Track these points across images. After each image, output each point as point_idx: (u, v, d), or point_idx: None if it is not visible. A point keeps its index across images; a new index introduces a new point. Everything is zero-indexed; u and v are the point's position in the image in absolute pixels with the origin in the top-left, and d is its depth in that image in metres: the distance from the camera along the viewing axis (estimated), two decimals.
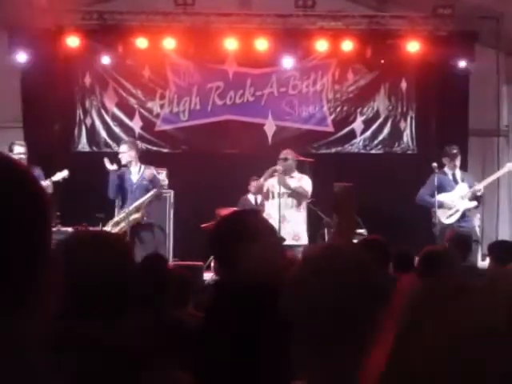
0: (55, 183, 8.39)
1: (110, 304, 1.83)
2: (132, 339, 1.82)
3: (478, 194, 8.56)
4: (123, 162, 8.37)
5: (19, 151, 8.30)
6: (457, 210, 8.53)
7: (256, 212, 3.35)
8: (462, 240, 5.35)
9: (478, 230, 8.82)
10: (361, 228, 9.41)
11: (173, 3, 10.42)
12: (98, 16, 10.37)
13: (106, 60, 10.68)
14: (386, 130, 11.29)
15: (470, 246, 5.30)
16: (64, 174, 8.41)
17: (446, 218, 8.56)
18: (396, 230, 8.83)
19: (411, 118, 11.30)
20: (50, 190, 8.28)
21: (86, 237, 2.03)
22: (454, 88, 10.76)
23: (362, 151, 11.29)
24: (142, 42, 10.44)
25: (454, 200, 8.54)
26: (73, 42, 10.29)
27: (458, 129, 10.77)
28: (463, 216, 8.56)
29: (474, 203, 8.61)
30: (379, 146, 11.28)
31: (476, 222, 9.03)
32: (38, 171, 8.45)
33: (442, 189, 8.63)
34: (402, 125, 11.30)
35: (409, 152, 11.30)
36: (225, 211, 9.55)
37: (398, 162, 10.89)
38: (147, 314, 2.00)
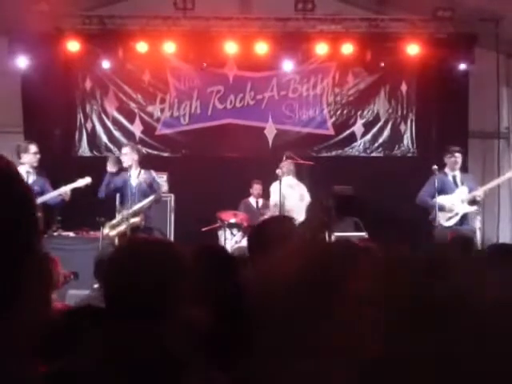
0: (75, 190, 8.28)
1: (155, 304, 1.85)
2: (174, 339, 1.84)
3: (478, 199, 8.58)
4: (125, 164, 8.36)
5: (35, 151, 8.31)
6: (456, 214, 8.56)
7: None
8: (463, 241, 5.34)
9: (478, 232, 8.81)
10: (361, 231, 9.42)
11: (173, 7, 10.44)
12: (98, 20, 10.40)
13: (106, 64, 10.70)
14: (386, 133, 11.30)
15: (472, 247, 5.28)
16: (87, 180, 8.24)
17: (445, 220, 8.59)
18: (396, 233, 8.81)
19: (411, 120, 11.30)
20: (67, 198, 8.25)
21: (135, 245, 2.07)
22: (454, 90, 10.77)
23: (363, 154, 11.29)
24: (142, 47, 10.46)
25: (454, 203, 8.56)
26: (73, 46, 10.31)
27: (459, 131, 10.78)
28: (462, 219, 8.58)
29: (474, 207, 8.63)
30: (379, 149, 11.29)
31: (477, 224, 9.02)
32: (44, 178, 8.48)
33: (442, 191, 8.64)
34: (403, 128, 11.30)
35: (409, 155, 11.30)
36: (226, 215, 9.59)
37: (398, 164, 10.89)
38: (186, 315, 2.01)
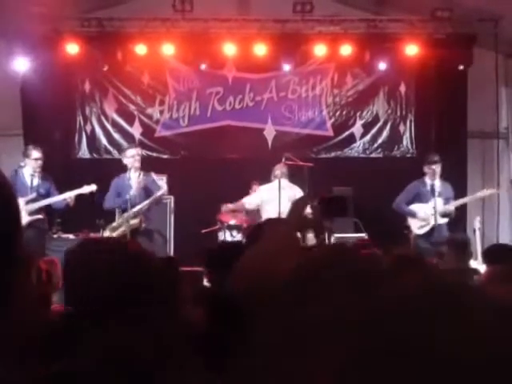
0: (79, 196, 8.31)
1: (124, 307, 1.85)
2: (173, 339, 1.85)
3: (448, 212, 8.63)
4: (136, 164, 8.34)
5: (36, 156, 8.32)
6: (427, 224, 8.62)
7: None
8: (458, 243, 5.33)
9: (478, 232, 8.82)
10: (361, 232, 9.43)
11: (171, 9, 10.44)
12: (97, 23, 10.40)
13: (105, 66, 10.70)
14: (386, 134, 11.30)
15: (467, 249, 5.27)
16: (92, 188, 8.27)
17: (417, 228, 8.69)
18: (396, 234, 8.83)
19: (410, 121, 11.31)
20: (72, 203, 8.29)
21: (94, 243, 2.05)
22: (452, 90, 10.79)
23: (362, 155, 11.30)
24: (141, 49, 10.46)
25: (426, 213, 8.62)
26: (72, 48, 10.31)
27: (458, 131, 10.80)
28: (433, 230, 8.61)
29: (445, 220, 8.68)
30: (379, 150, 11.30)
31: (476, 224, 9.03)
32: (50, 181, 8.51)
33: (418, 199, 8.80)
34: (402, 128, 11.31)
35: (408, 155, 11.30)
36: (226, 216, 9.59)
37: (397, 165, 10.89)
38: (160, 316, 2.01)
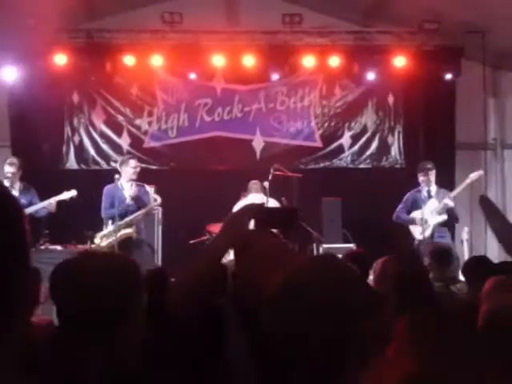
0: (60, 202, 8.35)
1: (108, 321, 1.83)
2: (132, 354, 1.83)
3: (449, 206, 8.66)
4: (133, 177, 8.38)
5: (8, 171, 8.29)
6: (428, 225, 8.64)
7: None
8: (441, 253, 5.31)
9: (466, 244, 8.83)
10: (349, 242, 9.43)
11: (160, 21, 10.46)
12: (85, 34, 10.40)
13: (93, 78, 10.69)
14: (374, 145, 11.33)
15: (450, 259, 5.25)
16: (72, 193, 8.36)
17: (419, 233, 8.71)
18: (384, 244, 8.82)
19: (399, 132, 11.34)
20: (53, 209, 8.30)
21: (81, 256, 2.02)
22: (440, 102, 10.83)
23: (350, 166, 11.31)
24: (129, 60, 10.46)
25: (424, 215, 8.65)
26: (60, 59, 10.29)
27: (446, 142, 10.84)
28: (435, 231, 8.64)
29: (444, 217, 8.72)
30: (367, 161, 11.31)
31: (464, 236, 9.05)
32: (32, 191, 8.48)
33: (416, 207, 8.89)
34: (390, 139, 11.34)
35: (397, 166, 11.33)
36: (214, 227, 9.56)
37: (386, 176, 10.92)
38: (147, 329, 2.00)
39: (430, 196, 8.81)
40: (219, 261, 2.54)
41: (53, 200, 8.30)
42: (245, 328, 2.25)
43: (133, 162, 8.57)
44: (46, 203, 8.31)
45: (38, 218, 8.48)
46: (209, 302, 2.39)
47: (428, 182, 8.82)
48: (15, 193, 8.22)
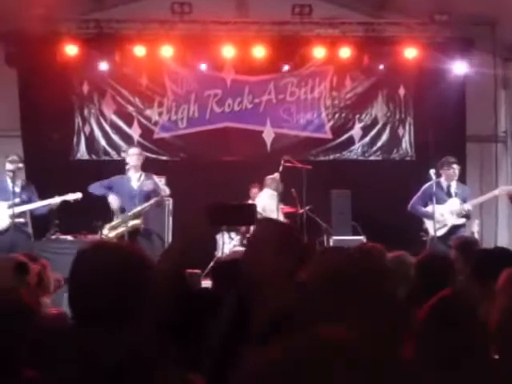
0: (64, 202, 8.30)
1: (116, 311, 1.85)
2: (144, 341, 1.85)
3: (466, 212, 8.45)
4: (132, 163, 8.35)
5: (8, 168, 8.27)
6: (445, 225, 8.44)
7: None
8: (468, 246, 5.25)
9: (476, 236, 8.78)
10: (359, 234, 9.43)
11: (170, 11, 10.45)
12: (95, 24, 10.39)
13: (103, 68, 10.69)
14: (385, 137, 11.29)
15: (474, 251, 5.18)
16: (77, 195, 8.28)
17: (433, 230, 8.48)
18: (395, 237, 8.80)
19: (409, 124, 11.30)
20: (54, 207, 8.29)
21: (89, 246, 2.03)
22: (451, 94, 10.78)
23: (361, 158, 11.28)
24: (139, 50, 10.45)
25: (443, 214, 8.44)
26: (70, 50, 10.30)
27: (456, 135, 10.80)
28: (451, 231, 8.45)
29: (463, 220, 8.49)
30: (378, 153, 11.28)
31: (475, 228, 9.00)
32: (32, 189, 8.49)
33: (431, 200, 8.59)
34: (401, 131, 11.30)
35: (407, 158, 11.29)
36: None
37: (396, 168, 10.90)
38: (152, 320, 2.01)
39: (449, 191, 8.60)
40: (178, 262, 2.55)
41: (56, 200, 8.24)
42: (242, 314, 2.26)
43: (133, 150, 8.63)
44: (50, 201, 8.28)
45: (36, 215, 8.50)
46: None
47: (452, 176, 8.62)
48: (17, 189, 8.23)
